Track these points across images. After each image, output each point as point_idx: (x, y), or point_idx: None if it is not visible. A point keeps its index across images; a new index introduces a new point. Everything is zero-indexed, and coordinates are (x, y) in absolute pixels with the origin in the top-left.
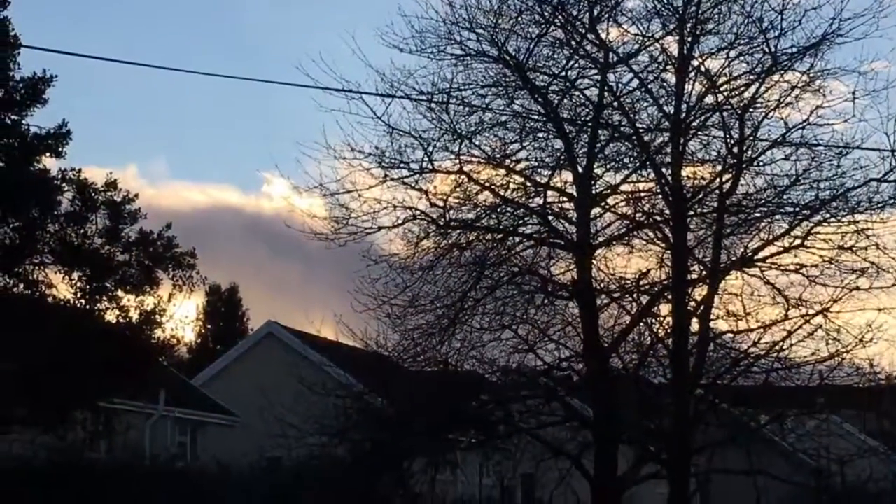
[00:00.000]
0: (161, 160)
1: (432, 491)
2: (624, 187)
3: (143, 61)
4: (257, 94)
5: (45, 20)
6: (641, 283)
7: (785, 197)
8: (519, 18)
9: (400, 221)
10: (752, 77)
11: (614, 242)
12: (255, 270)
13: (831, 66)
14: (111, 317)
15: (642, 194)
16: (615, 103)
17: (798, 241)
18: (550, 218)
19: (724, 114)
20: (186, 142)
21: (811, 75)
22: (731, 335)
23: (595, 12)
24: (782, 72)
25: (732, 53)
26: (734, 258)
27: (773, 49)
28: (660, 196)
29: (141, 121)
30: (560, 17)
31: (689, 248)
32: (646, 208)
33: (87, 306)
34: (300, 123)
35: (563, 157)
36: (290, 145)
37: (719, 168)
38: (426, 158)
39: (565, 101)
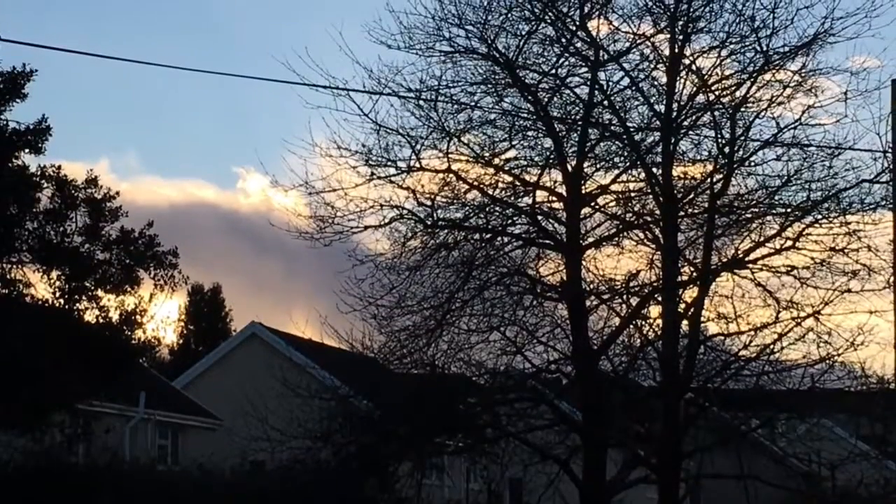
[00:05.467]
0: (132, 154)
1: (418, 495)
2: (614, 187)
3: (111, 52)
4: (230, 87)
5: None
6: (631, 284)
7: (776, 197)
8: (509, 15)
9: (386, 220)
10: (743, 76)
11: (604, 243)
12: (235, 268)
13: (823, 66)
14: (91, 317)
15: (632, 194)
16: (605, 102)
17: (789, 243)
18: (539, 218)
19: (716, 113)
20: (158, 135)
21: (803, 75)
22: (721, 337)
23: (586, 9)
24: (774, 71)
25: (724, 52)
26: (725, 259)
27: (764, 48)
28: (650, 196)
29: (111, 114)
30: (550, 13)
31: (680, 248)
32: (636, 208)
33: (66, 306)
34: (276, 118)
35: (552, 156)
36: (266, 140)
37: (710, 168)
38: (414, 156)
39: (555, 99)
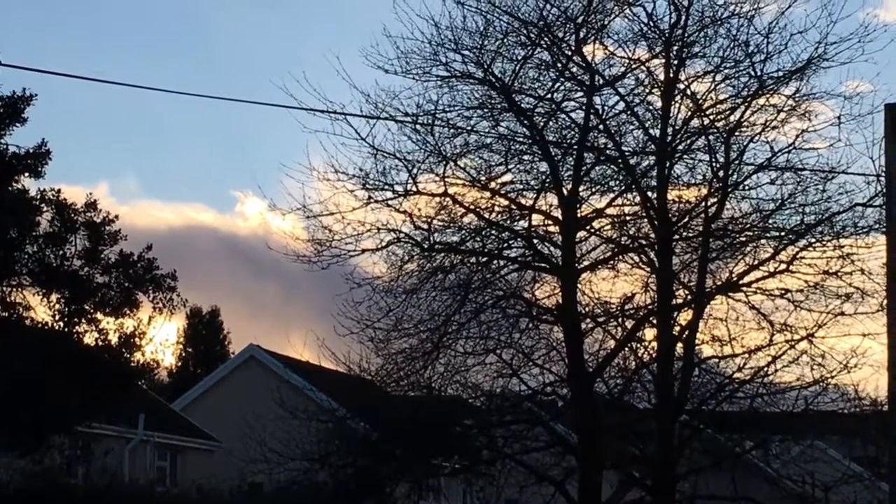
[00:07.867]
0: (131, 178)
1: None
2: (609, 210)
3: (110, 76)
4: (228, 112)
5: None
6: (626, 307)
7: (770, 221)
8: (505, 40)
9: (384, 244)
10: (737, 101)
11: (599, 266)
12: (233, 291)
13: (817, 91)
14: (90, 339)
15: (628, 218)
16: (601, 126)
17: (783, 266)
18: (535, 241)
19: (710, 137)
20: (156, 159)
21: (797, 99)
22: (715, 360)
23: (581, 34)
24: (768, 95)
25: (718, 77)
26: (719, 283)
27: (758, 73)
28: (645, 220)
29: (110, 138)
30: (546, 38)
31: (675, 272)
32: (631, 232)
33: (66, 329)
34: (274, 142)
35: (548, 180)
36: (264, 164)
37: (705, 192)
38: (410, 180)
39: (551, 123)
